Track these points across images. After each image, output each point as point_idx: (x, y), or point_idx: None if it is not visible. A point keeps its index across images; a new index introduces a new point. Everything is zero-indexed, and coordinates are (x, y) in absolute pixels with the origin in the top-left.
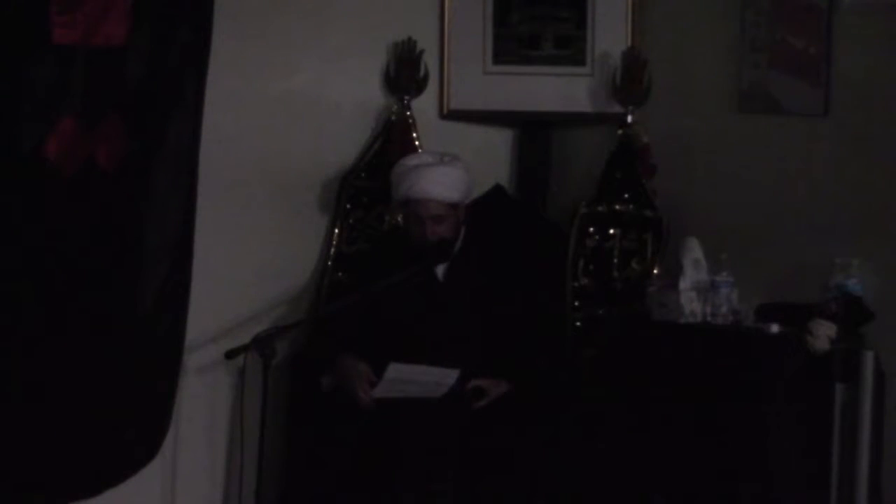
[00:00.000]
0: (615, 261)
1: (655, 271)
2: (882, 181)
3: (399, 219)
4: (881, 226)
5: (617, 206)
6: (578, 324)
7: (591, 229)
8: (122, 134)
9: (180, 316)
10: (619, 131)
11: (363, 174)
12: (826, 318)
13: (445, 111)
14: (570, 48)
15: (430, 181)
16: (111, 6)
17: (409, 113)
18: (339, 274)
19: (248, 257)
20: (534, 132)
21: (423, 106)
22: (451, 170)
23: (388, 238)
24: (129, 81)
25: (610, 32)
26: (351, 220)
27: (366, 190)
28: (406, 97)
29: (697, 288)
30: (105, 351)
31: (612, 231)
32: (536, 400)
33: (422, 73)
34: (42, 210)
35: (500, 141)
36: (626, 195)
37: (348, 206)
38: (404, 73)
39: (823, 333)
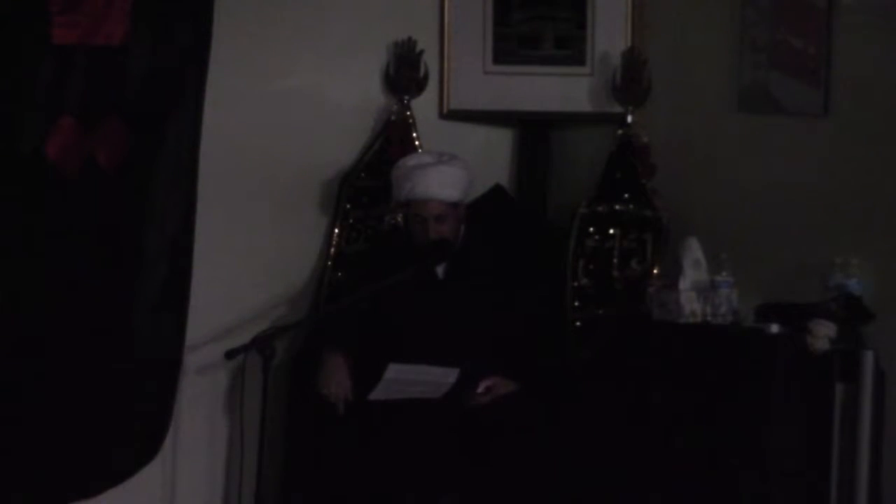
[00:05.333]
0: (615, 261)
1: (655, 271)
2: (882, 181)
3: (399, 219)
4: (881, 226)
5: (617, 206)
6: (578, 324)
7: (591, 229)
8: (122, 134)
9: (180, 316)
10: (619, 131)
11: (363, 174)
12: (826, 318)
13: (445, 111)
14: (570, 48)
15: (432, 181)
16: (111, 6)
17: (409, 113)
18: (339, 274)
19: (248, 257)
20: (534, 132)
21: (423, 106)
22: (451, 169)
23: (388, 238)
24: (129, 81)
25: (610, 32)
26: (351, 220)
27: (366, 190)
28: (406, 97)
29: (697, 288)
30: (105, 351)
31: (612, 231)
32: (536, 399)
33: (422, 73)
34: (42, 210)
35: (500, 141)
36: (626, 195)
37: (348, 205)
38: (404, 73)
39: (823, 333)
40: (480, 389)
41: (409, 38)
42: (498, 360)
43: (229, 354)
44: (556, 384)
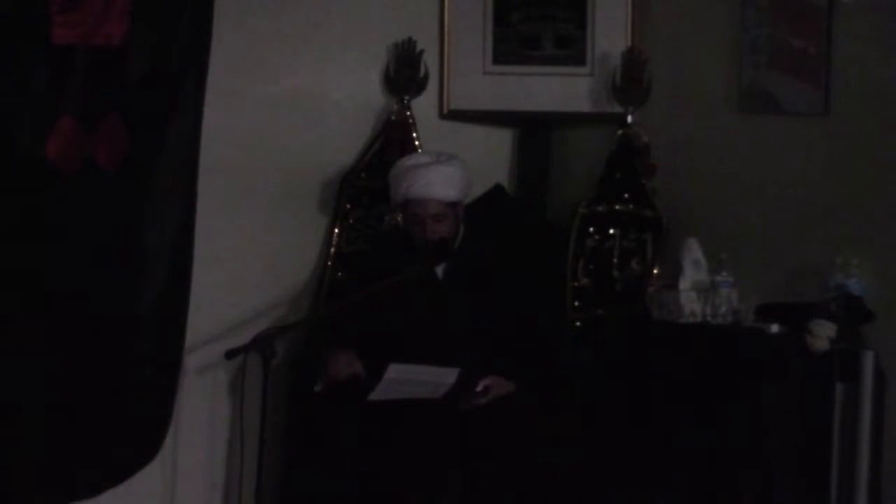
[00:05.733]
0: (615, 261)
1: (655, 271)
2: (882, 181)
3: (399, 219)
4: (881, 226)
5: (617, 206)
6: (578, 324)
7: (591, 229)
8: (122, 134)
9: (180, 316)
10: (619, 131)
11: (363, 174)
12: (826, 318)
13: (445, 111)
14: (570, 48)
15: (428, 181)
16: (111, 6)
17: (409, 113)
18: (339, 274)
19: (247, 257)
20: (534, 132)
21: (423, 106)
22: (448, 168)
23: (388, 238)
24: (129, 81)
25: (610, 32)
26: (351, 220)
27: (366, 190)
28: (406, 97)
29: (697, 288)
30: (105, 351)
31: (612, 231)
32: (536, 399)
33: (422, 73)
34: (42, 210)
35: (500, 141)
36: (626, 195)
37: (348, 206)
38: (404, 73)
39: (823, 333)
40: (479, 388)
41: (409, 38)
42: (497, 361)
43: (229, 354)
44: (555, 384)
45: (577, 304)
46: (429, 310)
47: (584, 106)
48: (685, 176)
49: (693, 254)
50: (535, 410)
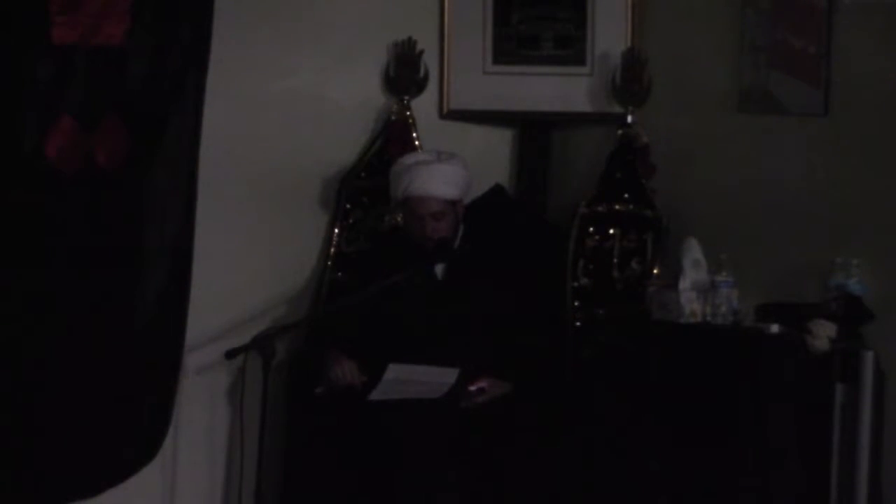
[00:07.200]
0: (615, 261)
1: (655, 271)
2: (882, 181)
3: (399, 218)
4: (881, 226)
5: (617, 206)
6: (578, 324)
7: (591, 229)
8: (122, 134)
9: (180, 316)
10: (619, 131)
11: (363, 174)
12: (826, 318)
13: (445, 111)
14: (570, 48)
15: (429, 178)
16: (111, 6)
17: (409, 113)
18: (339, 274)
19: (248, 257)
20: (534, 132)
21: (423, 106)
22: (448, 167)
23: (388, 238)
24: (129, 81)
25: (610, 32)
26: (351, 220)
27: (366, 190)
28: (406, 97)
29: (697, 288)
30: (105, 351)
31: (612, 231)
32: (536, 399)
33: (422, 73)
34: (42, 210)
35: (500, 141)
36: (626, 195)
37: (348, 206)
38: (404, 73)
39: (823, 333)
40: (473, 388)
41: (409, 39)
42: (497, 361)
43: (229, 354)
44: (552, 385)
45: (577, 304)
46: (428, 310)
47: (584, 106)
48: (685, 176)
49: (693, 254)
50: (534, 410)
